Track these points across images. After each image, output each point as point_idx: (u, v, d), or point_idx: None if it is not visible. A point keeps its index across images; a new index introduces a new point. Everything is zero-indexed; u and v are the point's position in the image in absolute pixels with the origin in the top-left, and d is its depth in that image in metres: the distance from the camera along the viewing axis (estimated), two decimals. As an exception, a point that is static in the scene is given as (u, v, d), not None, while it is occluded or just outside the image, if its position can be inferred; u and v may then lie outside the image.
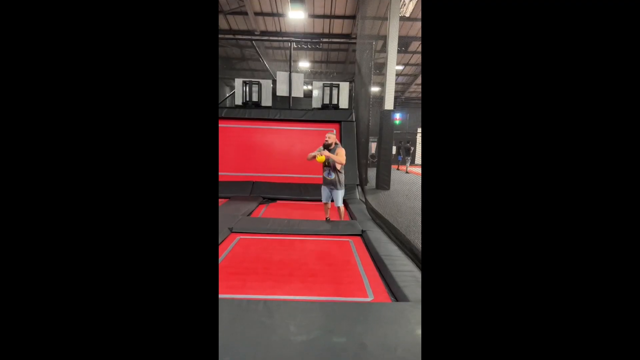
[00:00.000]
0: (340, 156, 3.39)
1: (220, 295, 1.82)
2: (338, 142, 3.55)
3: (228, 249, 2.69)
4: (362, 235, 3.12)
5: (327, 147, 3.44)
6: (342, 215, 3.71)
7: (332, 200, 3.62)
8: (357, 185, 5.42)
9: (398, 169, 11.16)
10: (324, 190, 3.63)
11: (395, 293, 1.93)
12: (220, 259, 2.47)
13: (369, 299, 1.91)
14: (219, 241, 2.78)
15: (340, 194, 3.55)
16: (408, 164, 11.01)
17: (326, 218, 3.70)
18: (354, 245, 2.92)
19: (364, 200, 4.93)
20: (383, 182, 6.30)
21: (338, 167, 3.41)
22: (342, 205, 3.66)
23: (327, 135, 3.52)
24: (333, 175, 3.45)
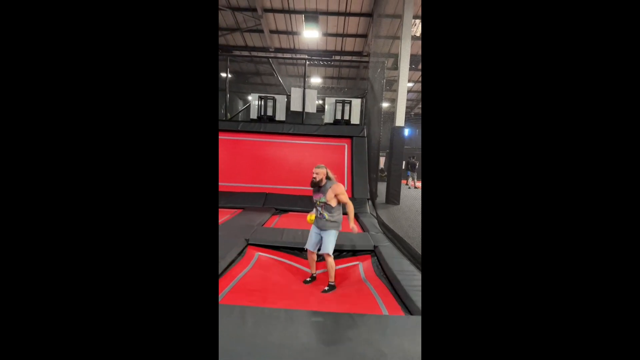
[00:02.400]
0: (349, 205, 2.54)
1: (243, 305, 1.91)
2: (331, 175, 2.64)
3: (249, 266, 2.78)
4: (375, 250, 3.18)
5: (315, 185, 2.59)
6: (332, 273, 2.53)
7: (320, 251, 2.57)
8: (368, 199, 5.50)
9: (407, 184, 11.24)
10: (312, 235, 2.64)
11: (409, 307, 1.99)
12: (240, 275, 2.55)
13: (384, 312, 1.97)
14: (236, 252, 2.88)
15: (331, 236, 2.52)
16: (414, 179, 11.11)
17: (311, 275, 2.69)
18: (367, 259, 2.98)
19: (374, 214, 5.00)
20: (393, 197, 6.37)
21: (333, 203, 2.54)
22: (331, 256, 2.53)
23: (315, 171, 2.59)
24: (325, 216, 2.53)
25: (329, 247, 2.52)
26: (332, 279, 2.54)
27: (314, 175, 2.58)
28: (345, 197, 2.58)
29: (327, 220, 2.52)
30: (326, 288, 2.50)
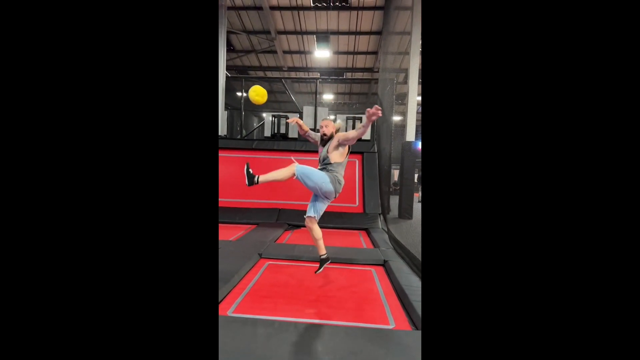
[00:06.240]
0: (352, 132, 2.22)
1: (254, 316, 2.02)
2: (340, 128, 2.48)
3: (258, 274, 2.91)
4: (384, 265, 3.23)
5: (324, 141, 2.51)
6: (319, 244, 2.39)
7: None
8: (379, 214, 5.54)
9: (418, 197, 11.21)
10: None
11: (416, 322, 2.03)
12: (252, 282, 2.68)
13: (390, 326, 2.02)
14: (249, 266, 3.00)
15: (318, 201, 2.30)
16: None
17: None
18: (376, 274, 3.03)
19: (386, 229, 5.03)
20: (405, 211, 6.38)
21: (335, 157, 2.35)
22: (314, 220, 2.38)
23: (322, 124, 2.49)
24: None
25: (311, 211, 2.28)
26: (320, 251, 2.34)
27: (323, 130, 2.46)
28: (344, 135, 2.30)
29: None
30: (320, 269, 2.29)
